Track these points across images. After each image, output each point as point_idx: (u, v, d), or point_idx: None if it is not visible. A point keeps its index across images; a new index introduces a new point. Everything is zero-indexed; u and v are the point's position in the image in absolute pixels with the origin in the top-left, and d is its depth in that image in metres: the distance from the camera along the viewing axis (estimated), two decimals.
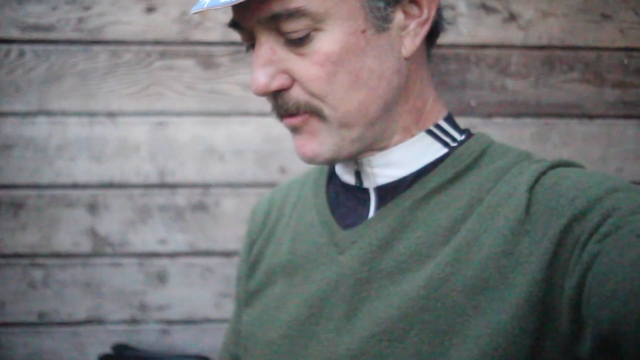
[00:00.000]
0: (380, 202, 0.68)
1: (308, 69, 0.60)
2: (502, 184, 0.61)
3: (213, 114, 1.36)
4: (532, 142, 1.40)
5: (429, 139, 0.67)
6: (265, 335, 0.72)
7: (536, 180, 0.59)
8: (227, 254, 1.38)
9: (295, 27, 0.58)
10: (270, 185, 1.38)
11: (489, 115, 1.39)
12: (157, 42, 1.33)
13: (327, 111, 0.61)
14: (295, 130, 0.65)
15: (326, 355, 0.63)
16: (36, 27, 1.30)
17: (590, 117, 1.41)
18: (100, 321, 1.37)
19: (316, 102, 0.61)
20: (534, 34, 1.38)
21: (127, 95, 1.33)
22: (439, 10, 0.67)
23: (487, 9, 1.37)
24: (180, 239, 1.37)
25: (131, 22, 1.32)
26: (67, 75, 1.32)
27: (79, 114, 1.33)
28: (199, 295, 1.39)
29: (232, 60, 1.35)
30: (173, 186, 1.36)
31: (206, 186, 1.37)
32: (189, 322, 1.38)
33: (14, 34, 1.29)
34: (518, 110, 1.39)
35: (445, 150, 0.67)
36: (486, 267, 0.57)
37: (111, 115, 1.33)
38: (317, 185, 0.76)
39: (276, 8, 0.58)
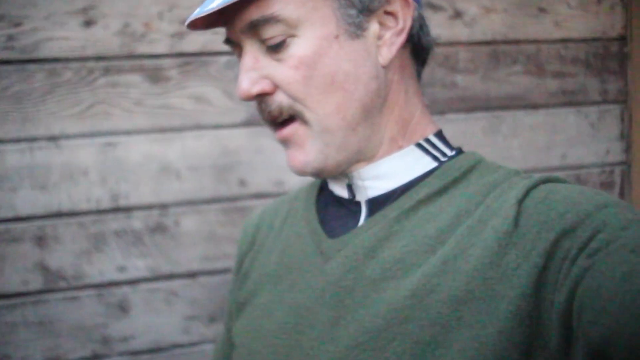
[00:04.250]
0: (371, 214, 0.69)
1: (286, 73, 0.63)
2: (491, 198, 0.62)
3: (165, 130, 1.29)
4: (484, 135, 1.43)
5: (419, 152, 0.69)
6: (251, 345, 0.72)
7: (526, 194, 0.59)
8: (192, 275, 1.32)
9: (272, 33, 0.62)
10: (231, 200, 1.33)
11: (442, 112, 1.41)
12: (99, 58, 1.24)
13: (308, 114, 0.64)
14: (285, 143, 0.68)
15: None
16: None
17: (535, 107, 1.46)
18: None
19: (298, 106, 0.64)
20: (479, 29, 1.41)
21: (70, 117, 1.24)
22: (423, 27, 0.69)
23: (433, 7, 1.38)
24: (140, 264, 1.29)
25: (69, 38, 1.22)
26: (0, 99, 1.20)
27: (16, 140, 1.22)
28: (165, 322, 1.32)
29: (181, 73, 1.28)
30: (128, 209, 1.28)
31: (164, 206, 1.30)
32: (156, 350, 1.31)
33: None
34: (468, 105, 1.42)
35: (435, 164, 0.69)
36: (472, 279, 0.57)
37: (53, 139, 1.23)
38: (308, 198, 0.77)
39: (254, 16, 0.62)
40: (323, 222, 0.73)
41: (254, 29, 0.63)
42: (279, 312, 0.70)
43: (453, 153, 0.70)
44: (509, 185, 0.62)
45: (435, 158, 0.69)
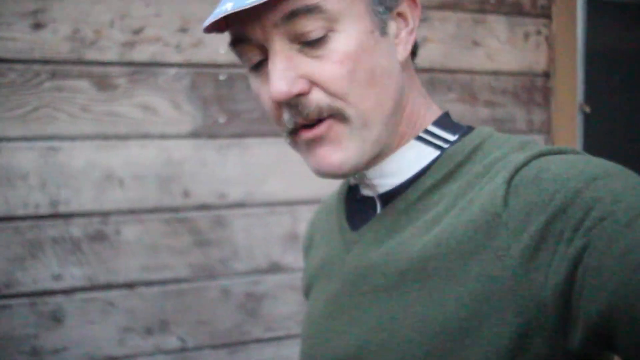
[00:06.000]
0: (384, 207, 0.71)
1: (329, 68, 0.61)
2: (487, 179, 0.62)
3: (110, 138, 1.28)
4: None
5: (420, 145, 0.69)
6: (305, 332, 0.79)
7: (516, 172, 0.59)
8: (130, 285, 1.30)
9: (312, 26, 0.60)
10: (174, 210, 1.32)
11: None
12: (46, 61, 1.23)
13: (349, 111, 0.63)
14: (317, 141, 0.65)
15: (342, 345, 0.69)
16: None
17: None
18: None
19: (338, 103, 0.63)
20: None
21: (12, 119, 1.21)
22: None
23: None
24: (77, 273, 1.27)
25: (15, 39, 1.21)
26: None
27: None
28: (100, 333, 1.28)
29: (130, 82, 1.29)
30: (67, 216, 1.26)
31: (105, 214, 1.28)
32: None
33: None
34: None
35: (437, 153, 0.69)
36: (462, 257, 0.59)
37: None
38: (340, 194, 0.80)
39: (296, 5, 0.59)
40: (350, 217, 0.75)
41: (292, 21, 0.60)
42: (320, 301, 0.76)
43: (455, 137, 0.69)
44: (504, 164, 0.62)
45: (437, 147, 0.69)
